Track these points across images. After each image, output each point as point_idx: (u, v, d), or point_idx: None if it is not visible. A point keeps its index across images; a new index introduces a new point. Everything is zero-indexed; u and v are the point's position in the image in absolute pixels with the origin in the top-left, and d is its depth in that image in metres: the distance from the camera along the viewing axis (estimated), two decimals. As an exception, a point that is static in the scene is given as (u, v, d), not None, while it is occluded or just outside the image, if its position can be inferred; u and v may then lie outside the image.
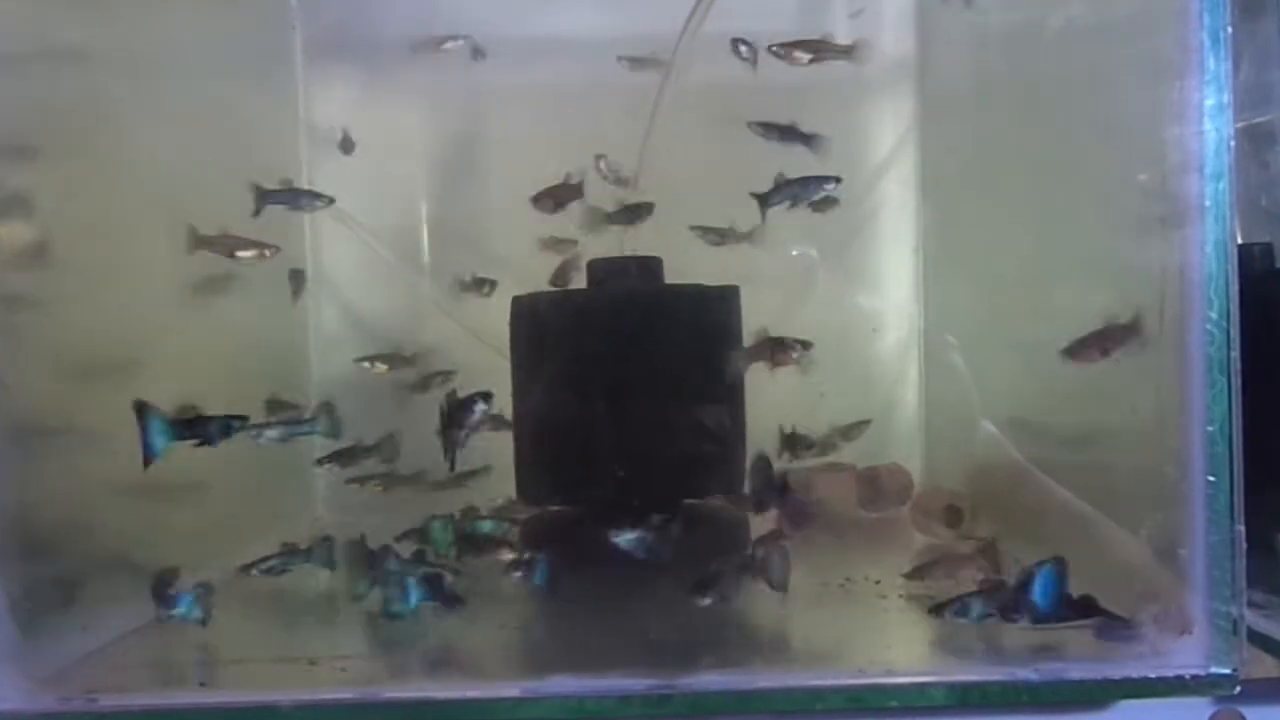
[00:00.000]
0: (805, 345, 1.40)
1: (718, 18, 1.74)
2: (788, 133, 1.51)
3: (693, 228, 1.61)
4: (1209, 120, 0.90)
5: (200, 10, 1.54)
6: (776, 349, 1.40)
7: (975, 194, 1.61)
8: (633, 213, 1.58)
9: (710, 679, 0.95)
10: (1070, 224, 1.28)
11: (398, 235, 1.86)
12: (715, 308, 1.47)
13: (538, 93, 1.81)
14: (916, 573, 1.23)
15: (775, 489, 1.26)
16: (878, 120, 1.87)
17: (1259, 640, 1.02)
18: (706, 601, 1.07)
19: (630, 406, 1.40)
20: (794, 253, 1.75)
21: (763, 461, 1.31)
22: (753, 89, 1.69)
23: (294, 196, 1.49)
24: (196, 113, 1.49)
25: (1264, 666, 1.03)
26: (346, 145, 1.74)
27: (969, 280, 1.68)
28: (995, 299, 1.56)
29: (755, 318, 1.58)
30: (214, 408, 1.39)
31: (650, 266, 1.51)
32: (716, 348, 1.46)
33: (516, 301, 1.49)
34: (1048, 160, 1.33)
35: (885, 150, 1.86)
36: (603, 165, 1.65)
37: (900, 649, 1.05)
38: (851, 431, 1.66)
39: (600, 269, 1.51)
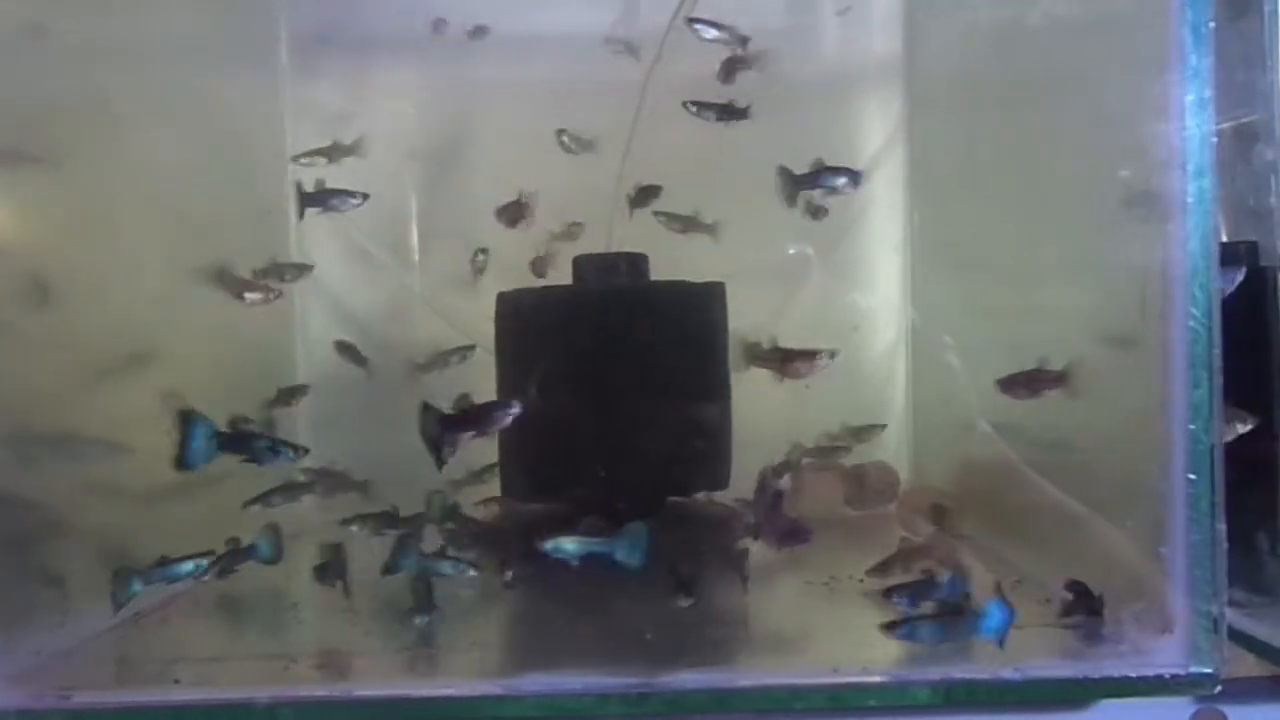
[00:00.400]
0: (832, 355, 1.38)
1: (706, 14, 1.74)
2: (724, 110, 1.49)
3: (656, 214, 1.59)
4: (1191, 117, 0.89)
5: (183, 2, 1.53)
6: (799, 359, 1.37)
7: (963, 192, 1.61)
8: (644, 195, 1.58)
9: (688, 677, 0.94)
10: (1057, 222, 1.27)
11: (386, 231, 1.85)
12: (700, 304, 1.47)
13: (526, 87, 1.80)
14: (878, 569, 1.22)
15: (772, 506, 1.25)
16: (866, 118, 1.87)
17: (1241, 639, 1.02)
18: (688, 603, 1.05)
19: (615, 403, 1.40)
20: (790, 251, 1.74)
21: (768, 482, 1.30)
22: (740, 85, 1.69)
23: (327, 197, 1.47)
24: (178, 107, 1.48)
25: (1246, 665, 1.03)
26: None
27: (957, 279, 1.67)
28: (983, 297, 1.56)
29: (748, 314, 1.59)
30: (199, 405, 1.40)
31: (635, 263, 1.50)
32: (702, 344, 1.46)
33: (501, 298, 1.49)
34: (1034, 158, 1.33)
35: (874, 148, 1.86)
36: (565, 139, 1.63)
37: (881, 648, 1.04)
38: (863, 434, 1.64)
39: (585, 265, 1.50)
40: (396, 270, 1.86)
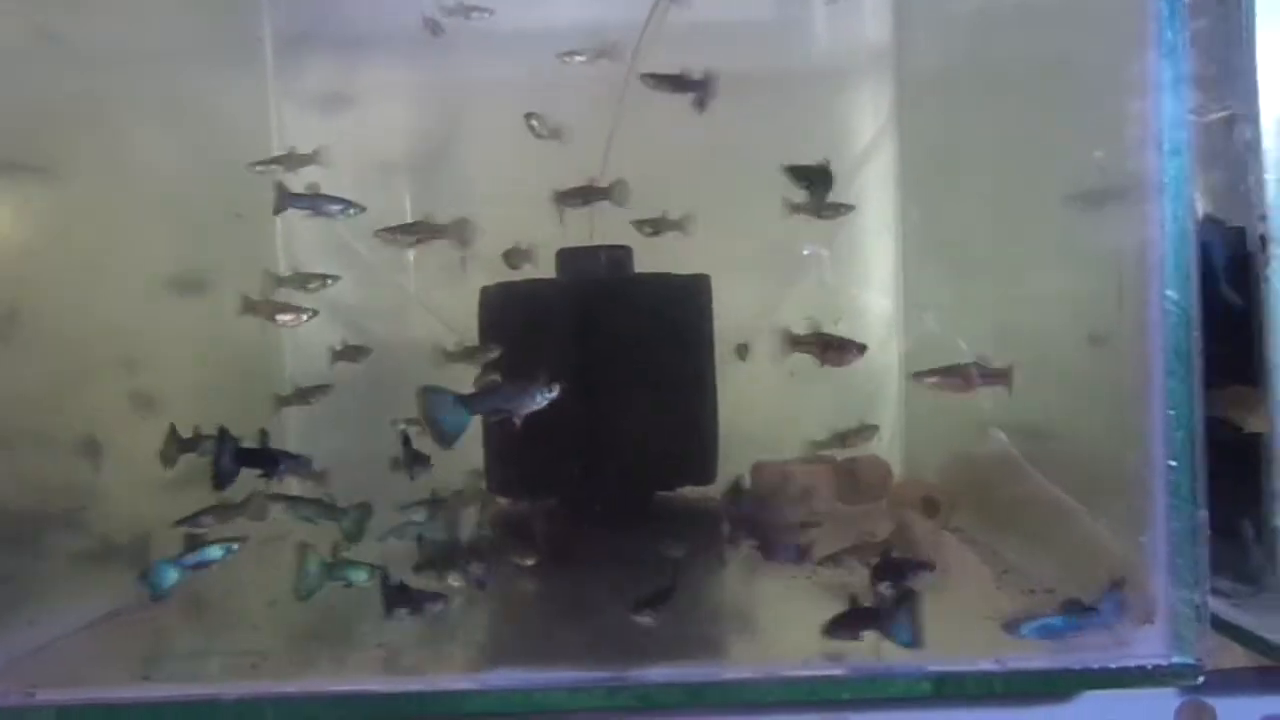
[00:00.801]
0: (861, 349, 1.36)
1: (698, 6, 1.73)
2: (678, 82, 1.45)
3: (632, 222, 1.53)
4: (1167, 94, 0.87)
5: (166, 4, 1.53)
6: (831, 348, 1.36)
7: (952, 180, 1.59)
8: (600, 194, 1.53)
9: (660, 671, 0.93)
10: (1043, 208, 1.25)
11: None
12: (685, 297, 1.45)
13: (516, 82, 1.78)
14: (829, 559, 1.20)
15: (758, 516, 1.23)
16: (859, 109, 1.85)
17: (1228, 629, 0.99)
18: (647, 620, 1.02)
19: (599, 398, 1.38)
20: (805, 252, 1.72)
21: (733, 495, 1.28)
22: (728, 79, 1.68)
23: (316, 201, 1.41)
24: (163, 110, 1.48)
25: (1234, 656, 1.00)
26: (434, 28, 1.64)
27: (948, 268, 1.65)
28: (973, 286, 1.53)
29: (743, 307, 1.58)
30: (188, 404, 1.39)
31: (618, 256, 1.49)
32: (686, 337, 1.45)
33: (485, 292, 1.48)
34: (1020, 142, 1.31)
35: (866, 139, 1.84)
36: (535, 123, 1.60)
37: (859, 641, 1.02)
38: (861, 434, 1.62)
39: (569, 258, 1.49)
40: (386, 270, 1.85)
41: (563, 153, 1.66)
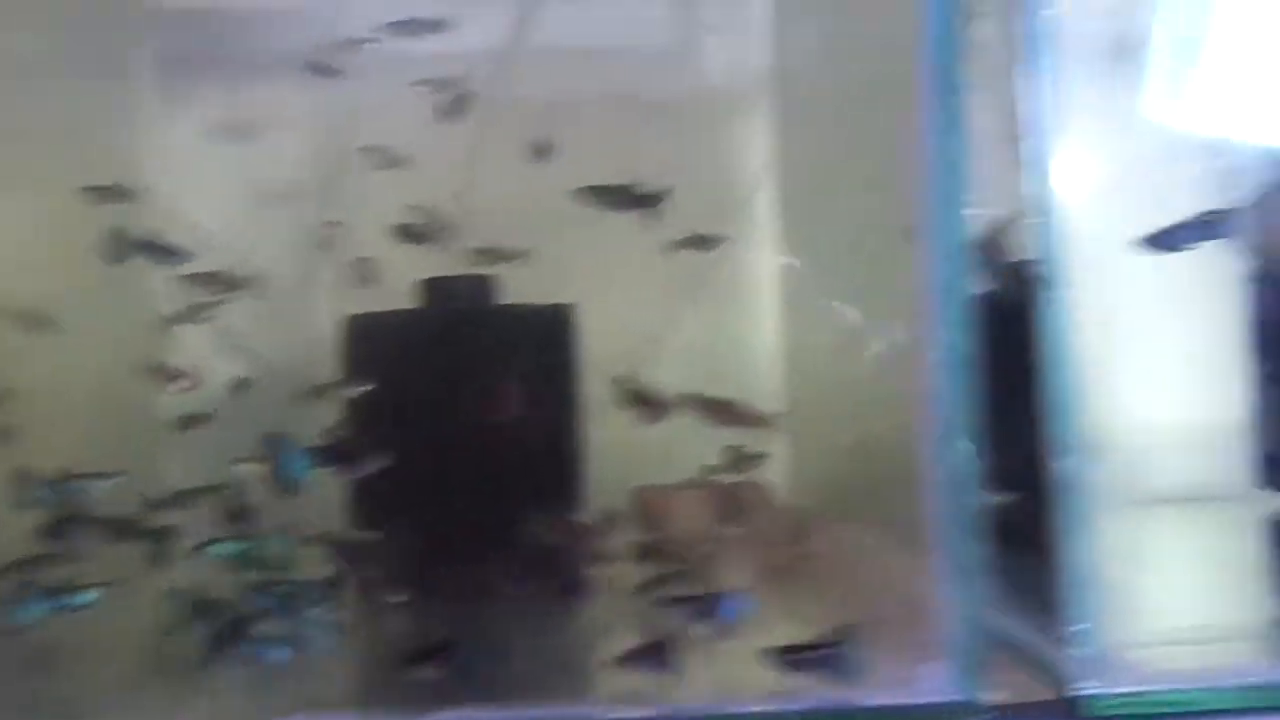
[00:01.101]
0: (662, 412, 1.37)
1: (581, 33, 1.74)
2: (456, 101, 1.50)
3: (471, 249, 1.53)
4: (939, 136, 0.88)
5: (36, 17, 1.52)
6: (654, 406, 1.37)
7: (822, 206, 1.60)
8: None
9: (457, 715, 0.92)
10: (887, 238, 1.26)
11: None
12: (543, 326, 1.46)
13: (405, 106, 1.78)
14: (642, 588, 1.20)
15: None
16: (748, 136, 1.86)
17: (1032, 663, 1.00)
18: (426, 673, 1.00)
19: (457, 431, 1.38)
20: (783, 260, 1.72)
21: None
22: (607, 105, 1.69)
23: (151, 249, 1.39)
24: (24, 129, 1.46)
25: (1042, 690, 1.01)
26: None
27: (824, 294, 1.66)
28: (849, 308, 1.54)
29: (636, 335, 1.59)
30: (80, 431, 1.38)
31: (482, 285, 1.49)
32: (548, 369, 1.45)
33: (345, 322, 1.47)
34: (869, 173, 1.32)
35: (754, 166, 1.84)
36: (372, 156, 1.59)
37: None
38: (751, 459, 1.62)
39: (431, 287, 1.49)
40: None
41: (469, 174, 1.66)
